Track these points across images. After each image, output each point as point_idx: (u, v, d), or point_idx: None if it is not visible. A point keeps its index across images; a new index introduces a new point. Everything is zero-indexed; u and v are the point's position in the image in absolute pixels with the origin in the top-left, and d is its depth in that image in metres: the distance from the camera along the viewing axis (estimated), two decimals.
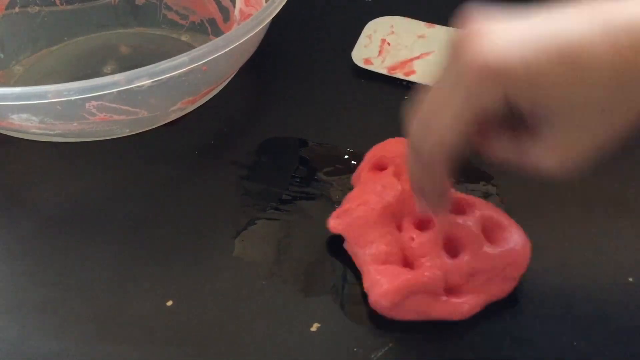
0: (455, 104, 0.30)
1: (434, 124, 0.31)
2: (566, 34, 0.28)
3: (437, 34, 0.55)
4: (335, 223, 0.41)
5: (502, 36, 0.28)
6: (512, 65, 0.28)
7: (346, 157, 0.47)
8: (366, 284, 0.39)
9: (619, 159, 0.46)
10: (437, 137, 0.31)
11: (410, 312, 0.38)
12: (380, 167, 0.44)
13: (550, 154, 0.30)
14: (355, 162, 0.46)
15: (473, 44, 0.29)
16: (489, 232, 0.40)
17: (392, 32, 0.55)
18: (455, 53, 0.29)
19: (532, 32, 0.28)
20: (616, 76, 0.27)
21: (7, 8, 0.55)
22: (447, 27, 0.55)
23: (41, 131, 0.44)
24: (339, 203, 0.42)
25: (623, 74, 0.27)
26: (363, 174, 0.44)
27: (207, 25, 0.57)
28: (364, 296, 0.38)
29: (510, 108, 0.29)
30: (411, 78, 0.52)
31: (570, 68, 0.27)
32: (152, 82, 0.40)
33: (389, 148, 0.45)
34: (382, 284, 0.38)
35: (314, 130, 0.49)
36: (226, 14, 0.56)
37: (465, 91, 0.29)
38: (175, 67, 0.40)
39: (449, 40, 0.30)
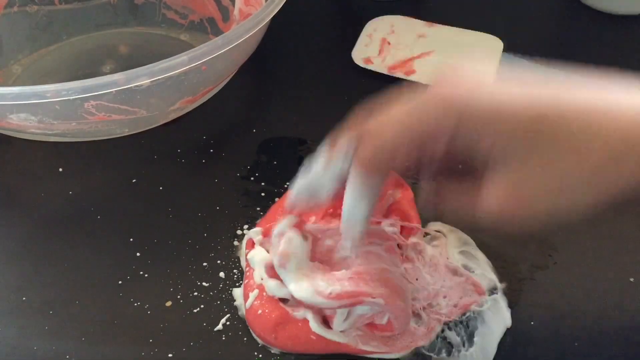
0: (409, 119, 0.31)
1: (384, 130, 0.31)
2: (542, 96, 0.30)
3: (437, 33, 0.55)
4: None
5: (478, 79, 0.30)
6: (480, 102, 0.30)
7: None
8: (246, 300, 0.38)
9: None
10: (381, 143, 0.31)
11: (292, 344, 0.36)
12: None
13: (491, 195, 0.31)
14: None
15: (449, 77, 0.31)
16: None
17: (393, 32, 0.55)
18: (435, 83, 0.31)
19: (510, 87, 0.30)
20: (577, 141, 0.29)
21: (5, 7, 0.55)
22: (447, 27, 0.55)
23: (40, 131, 0.44)
24: None
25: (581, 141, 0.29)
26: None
27: (206, 24, 0.57)
28: None
29: (456, 145, 0.31)
30: (411, 77, 0.52)
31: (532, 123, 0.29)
32: (151, 81, 0.40)
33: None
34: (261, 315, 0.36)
35: (313, 130, 0.48)
36: (226, 13, 0.56)
37: (422, 111, 0.31)
38: (175, 67, 0.40)
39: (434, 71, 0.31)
